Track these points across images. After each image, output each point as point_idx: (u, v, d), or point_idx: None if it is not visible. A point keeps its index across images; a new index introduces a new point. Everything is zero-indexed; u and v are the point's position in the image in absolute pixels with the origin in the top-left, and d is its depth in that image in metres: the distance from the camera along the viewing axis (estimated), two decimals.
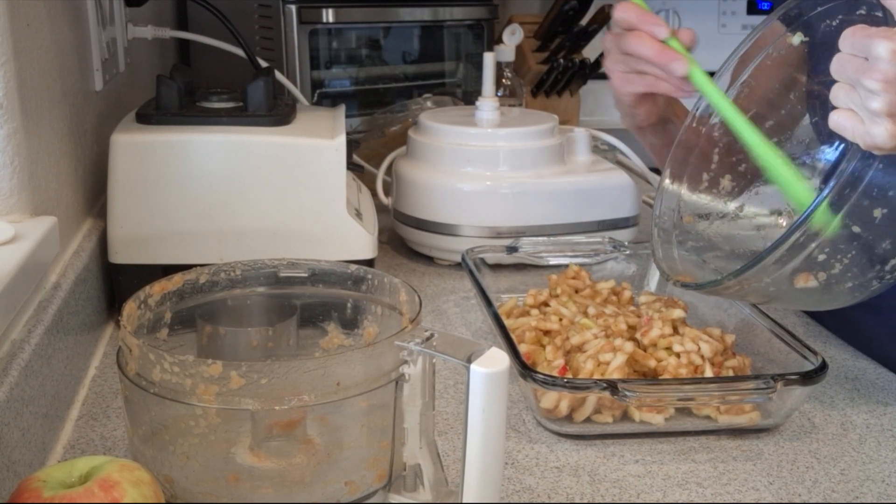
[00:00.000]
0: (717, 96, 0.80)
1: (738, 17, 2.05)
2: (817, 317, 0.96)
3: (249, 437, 0.60)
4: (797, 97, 0.85)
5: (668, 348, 0.77)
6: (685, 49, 0.81)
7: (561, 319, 0.84)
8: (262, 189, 0.89)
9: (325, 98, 1.46)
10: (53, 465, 0.60)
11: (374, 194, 1.16)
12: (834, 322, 0.94)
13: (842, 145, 0.64)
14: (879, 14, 0.64)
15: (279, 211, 0.90)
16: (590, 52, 1.79)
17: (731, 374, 0.77)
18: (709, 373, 0.76)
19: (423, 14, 1.50)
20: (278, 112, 0.92)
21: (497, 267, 0.99)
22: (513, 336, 0.78)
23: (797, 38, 0.80)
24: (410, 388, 0.57)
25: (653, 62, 0.82)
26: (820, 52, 0.79)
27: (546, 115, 1.17)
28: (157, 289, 0.65)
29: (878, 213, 0.65)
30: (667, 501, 0.65)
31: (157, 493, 0.50)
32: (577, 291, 0.91)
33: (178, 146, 0.88)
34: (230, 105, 0.94)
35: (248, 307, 0.70)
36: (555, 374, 0.75)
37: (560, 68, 1.73)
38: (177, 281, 0.66)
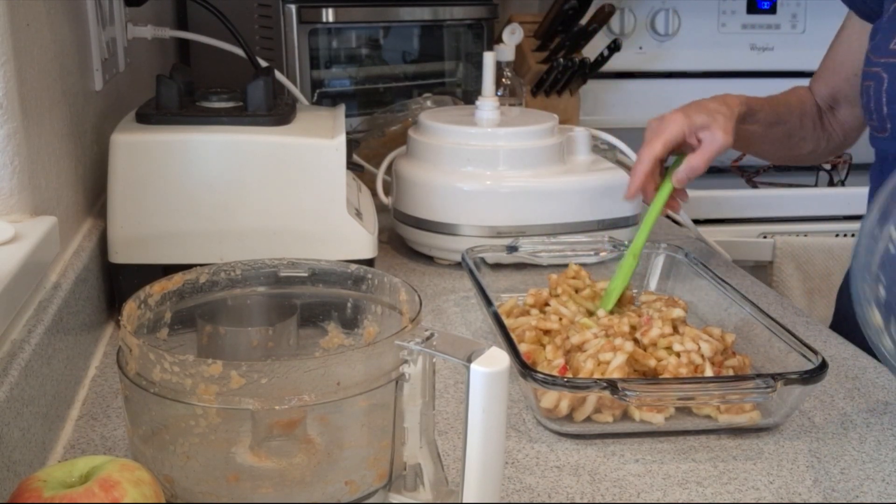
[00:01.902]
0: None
1: (738, 16, 2.04)
2: (847, 332, 0.93)
3: (250, 436, 0.60)
4: None
5: (669, 348, 0.77)
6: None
7: (561, 319, 0.84)
8: (262, 189, 0.89)
9: (325, 98, 1.46)
10: (54, 464, 0.60)
11: (374, 194, 1.16)
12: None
13: None
14: None
15: (279, 211, 0.90)
16: (590, 52, 1.79)
17: (731, 373, 0.77)
18: (709, 372, 0.76)
19: (423, 14, 1.49)
20: (278, 112, 0.92)
21: (497, 266, 0.99)
22: (513, 336, 0.78)
23: None
24: (410, 387, 0.57)
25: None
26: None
27: (546, 114, 1.17)
28: (157, 288, 0.65)
29: None
30: (667, 501, 0.65)
31: (157, 492, 0.50)
32: (577, 291, 0.91)
33: (178, 146, 0.88)
34: (230, 105, 0.94)
35: (248, 307, 0.70)
36: (555, 373, 0.75)
37: (560, 68, 1.73)
38: (177, 281, 0.66)
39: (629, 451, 0.71)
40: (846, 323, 0.95)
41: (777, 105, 1.06)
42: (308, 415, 0.61)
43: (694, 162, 0.93)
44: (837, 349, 0.90)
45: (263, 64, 1.08)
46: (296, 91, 1.29)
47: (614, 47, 1.75)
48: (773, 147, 1.10)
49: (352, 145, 0.99)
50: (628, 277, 0.89)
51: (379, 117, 1.36)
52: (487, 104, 1.11)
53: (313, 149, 0.90)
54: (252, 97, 0.92)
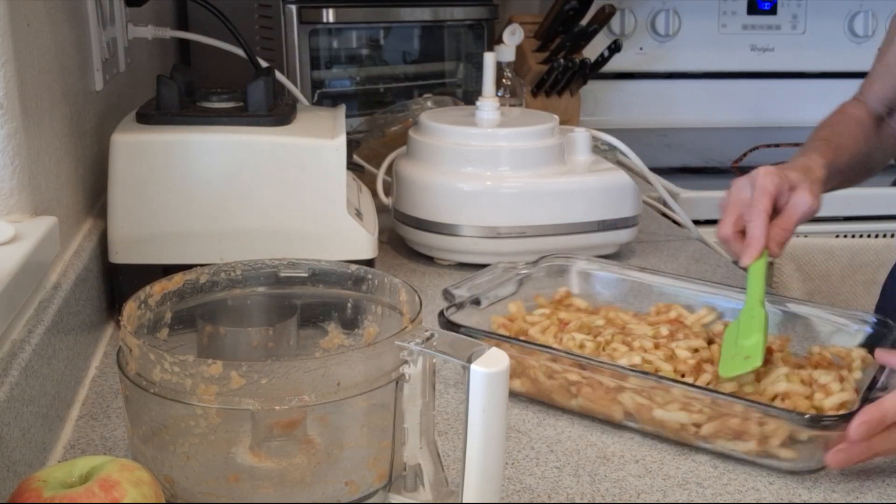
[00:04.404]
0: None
1: (739, 16, 2.04)
2: None
3: (250, 437, 0.60)
4: None
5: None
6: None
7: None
8: (262, 189, 0.89)
9: (325, 98, 1.46)
10: (54, 465, 0.60)
11: (375, 194, 1.16)
12: None
13: None
14: None
15: (279, 211, 0.90)
16: (590, 52, 1.79)
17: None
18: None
19: (424, 14, 1.49)
20: (278, 112, 0.93)
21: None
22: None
23: None
24: (410, 388, 0.57)
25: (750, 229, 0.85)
26: None
27: (546, 115, 1.17)
28: (157, 289, 0.65)
29: None
30: (667, 501, 0.65)
31: (157, 492, 0.50)
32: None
33: (178, 146, 0.88)
34: (230, 105, 0.94)
35: (249, 307, 0.70)
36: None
37: (560, 68, 1.73)
38: (177, 281, 0.66)
39: (629, 452, 0.71)
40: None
41: (846, 144, 1.00)
42: (308, 415, 0.61)
43: (786, 225, 0.86)
44: None
45: (264, 64, 1.08)
46: (296, 91, 1.29)
47: (615, 48, 1.75)
48: (850, 182, 1.06)
49: (352, 145, 0.99)
50: (766, 328, 0.79)
51: (379, 118, 1.36)
52: (488, 104, 1.11)
53: (313, 149, 0.90)
54: (252, 97, 0.92)
